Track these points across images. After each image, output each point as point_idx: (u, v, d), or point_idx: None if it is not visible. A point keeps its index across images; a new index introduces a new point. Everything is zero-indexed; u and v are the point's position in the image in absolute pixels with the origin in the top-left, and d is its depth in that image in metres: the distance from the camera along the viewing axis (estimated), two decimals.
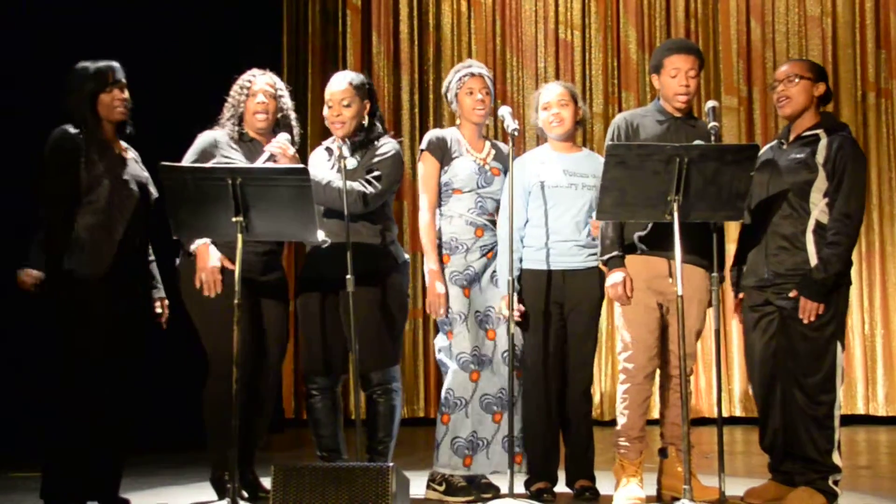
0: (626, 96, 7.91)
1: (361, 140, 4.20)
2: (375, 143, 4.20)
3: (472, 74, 4.29)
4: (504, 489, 3.93)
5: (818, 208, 3.91)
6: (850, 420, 6.86)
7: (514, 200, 4.04)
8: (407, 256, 4.30)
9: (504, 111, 4.12)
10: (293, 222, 3.70)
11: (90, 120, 3.90)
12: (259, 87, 4.20)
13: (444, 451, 4.15)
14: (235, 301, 3.63)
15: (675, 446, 3.99)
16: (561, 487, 4.20)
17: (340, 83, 4.19)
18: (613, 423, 4.17)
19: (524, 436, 4.16)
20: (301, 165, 3.80)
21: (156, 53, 6.27)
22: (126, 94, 3.97)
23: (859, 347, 7.49)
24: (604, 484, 4.16)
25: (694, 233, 3.82)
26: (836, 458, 3.88)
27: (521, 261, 4.16)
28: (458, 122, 4.38)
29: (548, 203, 4.17)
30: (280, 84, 4.29)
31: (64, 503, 3.79)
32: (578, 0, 8.03)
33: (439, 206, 4.27)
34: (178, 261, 4.14)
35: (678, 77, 4.01)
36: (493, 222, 4.26)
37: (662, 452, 4.09)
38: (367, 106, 4.21)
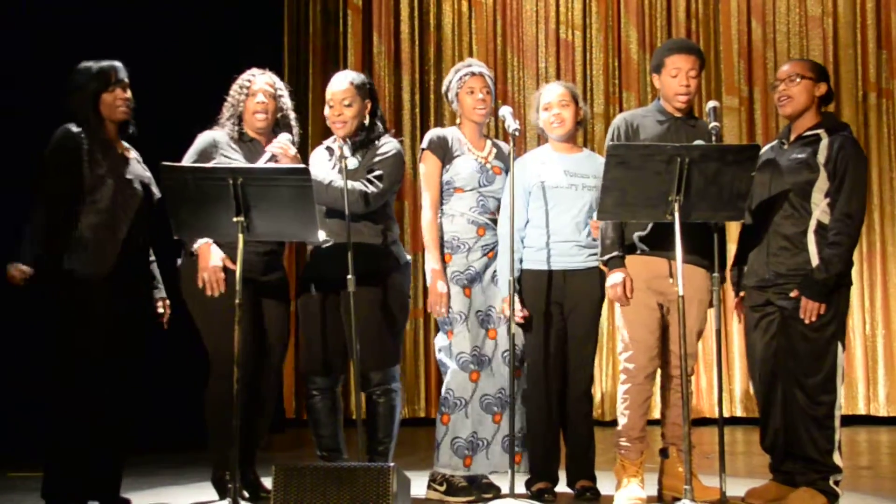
0: (626, 96, 7.90)
1: (362, 140, 4.19)
2: (376, 142, 4.20)
3: (473, 73, 4.28)
4: (505, 489, 3.93)
5: (819, 208, 3.90)
6: (850, 420, 6.86)
7: (515, 201, 4.04)
8: (409, 257, 4.30)
9: (505, 111, 4.11)
10: (294, 222, 3.69)
11: (93, 119, 3.90)
12: (258, 86, 4.20)
13: (445, 452, 4.15)
14: (237, 301, 3.63)
15: (676, 446, 3.99)
16: (562, 487, 4.20)
17: (342, 83, 4.19)
18: (614, 423, 4.17)
19: (525, 436, 4.16)
20: (302, 165, 3.80)
21: (156, 53, 6.26)
22: (128, 94, 3.97)
23: (860, 348, 7.47)
24: (605, 484, 4.16)
25: (694, 233, 3.81)
26: (837, 459, 3.87)
27: (521, 261, 4.16)
28: (458, 121, 4.37)
29: (548, 203, 4.17)
30: (280, 84, 4.29)
31: (64, 503, 3.79)
32: (579, 0, 8.02)
33: (441, 204, 4.27)
34: (179, 261, 4.14)
35: (679, 77, 4.00)
36: (495, 221, 4.25)
37: (663, 453, 4.09)
38: (369, 106, 4.21)
